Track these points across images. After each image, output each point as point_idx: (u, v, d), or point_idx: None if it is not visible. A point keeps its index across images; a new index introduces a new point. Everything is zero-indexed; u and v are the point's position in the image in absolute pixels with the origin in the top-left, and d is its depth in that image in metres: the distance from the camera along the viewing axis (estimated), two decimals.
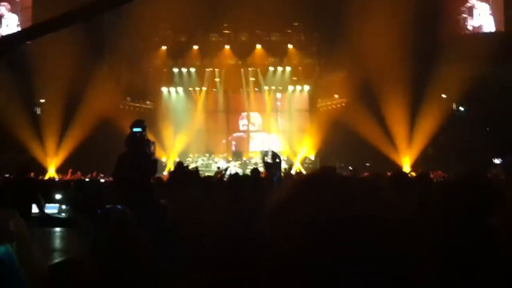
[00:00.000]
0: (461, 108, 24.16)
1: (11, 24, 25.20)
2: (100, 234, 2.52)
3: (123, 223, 2.56)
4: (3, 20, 25.32)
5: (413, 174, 20.80)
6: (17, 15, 25.22)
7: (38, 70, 20.76)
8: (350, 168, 21.19)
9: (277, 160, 15.22)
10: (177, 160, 20.59)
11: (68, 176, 20.56)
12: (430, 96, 22.37)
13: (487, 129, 22.30)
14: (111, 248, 2.47)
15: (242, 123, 30.75)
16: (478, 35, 24.42)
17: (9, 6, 25.33)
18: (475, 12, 24.92)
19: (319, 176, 1.09)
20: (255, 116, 30.57)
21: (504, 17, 24.33)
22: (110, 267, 2.44)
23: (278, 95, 30.50)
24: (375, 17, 21.35)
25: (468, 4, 24.96)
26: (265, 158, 15.48)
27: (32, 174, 10.74)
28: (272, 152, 15.45)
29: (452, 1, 25.09)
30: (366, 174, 18.01)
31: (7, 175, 15.33)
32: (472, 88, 20.98)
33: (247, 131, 30.48)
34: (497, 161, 14.67)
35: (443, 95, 23.35)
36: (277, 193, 1.07)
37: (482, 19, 24.94)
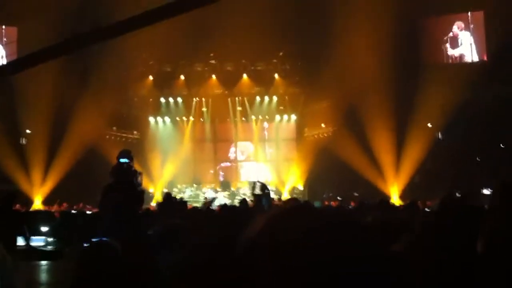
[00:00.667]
0: (443, 136, 24.34)
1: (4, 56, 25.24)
2: (86, 268, 2.47)
3: (109, 258, 2.51)
4: None
5: (400, 203, 20.89)
6: (2, 47, 25.21)
7: (23, 100, 20.70)
8: (339, 198, 21.22)
9: (266, 191, 15.20)
10: (165, 191, 20.47)
11: (55, 208, 20.33)
12: (415, 124, 22.57)
13: (475, 157, 22.47)
14: (96, 282, 2.43)
15: (232, 151, 30.71)
16: (461, 64, 24.77)
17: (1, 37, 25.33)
18: (458, 41, 25.31)
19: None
20: (242, 146, 30.56)
21: (486, 47, 24.71)
22: None
23: (265, 124, 30.58)
24: (358, 45, 21.62)
25: (451, 34, 25.35)
26: (254, 190, 15.44)
27: (17, 205, 10.60)
28: (260, 183, 15.43)
29: (435, 31, 25.45)
30: (352, 203, 18.07)
31: None
32: (455, 115, 21.20)
33: (234, 161, 30.43)
34: (486, 191, 14.72)
35: (429, 124, 23.54)
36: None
37: (464, 48, 25.31)
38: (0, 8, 22.45)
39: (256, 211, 12.63)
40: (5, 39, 25.19)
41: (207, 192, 26.43)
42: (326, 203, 19.01)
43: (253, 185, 15.91)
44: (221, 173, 30.32)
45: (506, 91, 22.03)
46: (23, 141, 24.23)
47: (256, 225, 1.10)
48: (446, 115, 21.44)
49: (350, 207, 15.89)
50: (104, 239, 5.68)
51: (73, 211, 18.37)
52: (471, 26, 25.00)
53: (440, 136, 24.59)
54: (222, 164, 30.38)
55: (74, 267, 2.48)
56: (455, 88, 21.21)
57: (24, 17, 21.72)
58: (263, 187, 15.13)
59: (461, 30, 25.27)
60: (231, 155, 30.66)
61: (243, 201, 11.66)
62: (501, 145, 23.03)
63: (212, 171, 30.15)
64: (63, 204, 20.71)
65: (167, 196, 11.11)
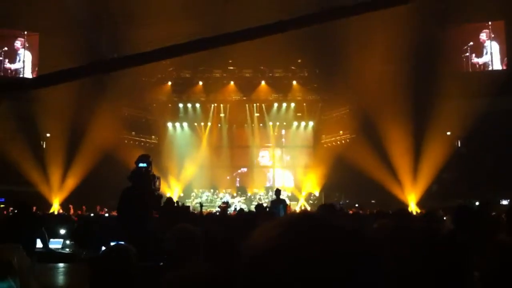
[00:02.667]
0: (462, 145, 24.15)
1: (27, 61, 25.57)
2: (103, 271, 2.52)
3: (126, 262, 2.56)
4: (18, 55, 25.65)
5: (418, 211, 20.74)
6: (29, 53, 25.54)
7: (44, 104, 20.92)
8: (356, 205, 21.14)
9: (281, 197, 15.22)
10: (168, 195, 20.56)
11: (71, 212, 20.51)
12: (434, 132, 22.40)
13: (494, 166, 22.23)
14: (113, 285, 2.47)
15: (262, 155, 30.76)
16: (481, 73, 24.58)
17: (24, 42, 25.65)
18: (483, 49, 25.15)
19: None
20: (260, 152, 30.58)
21: (507, 55, 24.53)
22: None
23: (283, 131, 30.60)
24: (378, 53, 21.54)
25: (471, 43, 25.19)
26: (273, 196, 15.49)
27: (34, 208, 10.72)
28: (276, 189, 15.47)
29: (457, 39, 25.27)
30: (368, 211, 17.94)
31: (11, 209, 15.32)
32: (475, 124, 21.02)
33: (251, 166, 30.44)
34: (505, 202, 14.60)
35: (448, 133, 23.38)
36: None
37: (489, 56, 25.15)
38: (22, 15, 22.75)
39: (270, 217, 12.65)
40: (27, 45, 25.52)
41: (224, 197, 26.50)
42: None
43: (276, 191, 15.91)
44: (237, 178, 30.35)
45: None
46: (43, 144, 24.49)
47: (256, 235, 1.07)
48: (466, 123, 21.26)
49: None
50: (121, 243, 5.74)
51: (91, 215, 18.53)
52: (492, 35, 24.85)
53: (459, 144, 24.39)
54: (239, 171, 30.36)
55: (91, 270, 2.53)
56: (475, 96, 21.06)
57: (46, 24, 21.99)
58: (278, 192, 15.15)
59: (488, 38, 25.11)
60: (263, 159, 30.63)
61: (259, 206, 11.67)
62: None
63: (228, 177, 30.15)
64: (82, 208, 20.88)
65: (168, 201, 11.14)
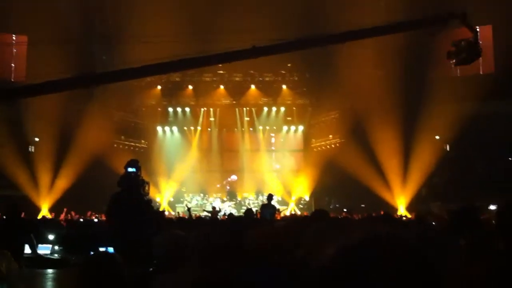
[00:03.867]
0: (450, 149, 24.26)
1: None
2: (87, 279, 2.50)
3: (110, 270, 2.55)
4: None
5: (407, 215, 20.83)
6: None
7: (32, 108, 20.79)
8: (345, 210, 21.14)
9: (271, 202, 15.19)
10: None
11: (62, 216, 20.37)
12: (423, 136, 22.49)
13: (482, 171, 22.38)
14: None
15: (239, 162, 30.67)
16: (469, 77, 24.70)
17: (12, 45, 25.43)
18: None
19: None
20: (249, 156, 30.51)
21: (494, 59, 24.66)
22: None
23: (272, 135, 30.60)
24: (366, 58, 21.63)
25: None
26: (261, 199, 15.51)
27: (23, 214, 10.63)
28: (268, 194, 15.44)
29: (443, 44, 25.36)
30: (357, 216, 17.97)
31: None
32: (463, 128, 21.12)
33: (241, 171, 30.36)
34: (492, 207, 14.65)
35: (436, 137, 23.50)
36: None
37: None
38: (11, 16, 22.62)
39: (261, 221, 12.64)
40: (15, 50, 25.31)
41: (214, 202, 26.43)
42: (332, 215, 18.86)
43: (268, 196, 15.88)
44: (228, 183, 30.26)
45: None
46: (32, 149, 24.32)
47: (328, 252, 1.11)
48: (454, 127, 21.37)
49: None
50: (108, 249, 5.72)
51: (80, 220, 18.41)
52: (480, 41, 24.93)
53: (447, 148, 24.51)
54: (229, 179, 30.16)
55: (77, 277, 2.51)
56: (464, 100, 21.18)
57: (35, 26, 21.88)
58: (269, 197, 15.12)
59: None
60: (243, 165, 30.55)
61: (248, 211, 11.67)
62: (510, 158, 22.95)
63: (218, 183, 30.05)
64: (71, 213, 20.75)
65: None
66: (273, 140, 30.80)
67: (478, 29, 11.90)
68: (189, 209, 16.48)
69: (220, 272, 2.71)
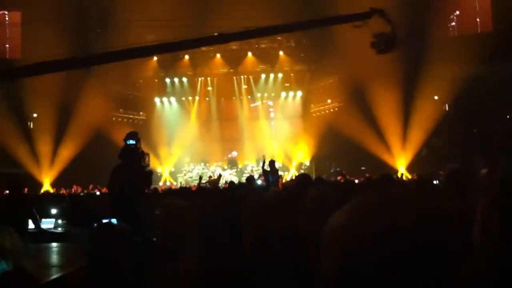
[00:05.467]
0: (450, 109, 24.22)
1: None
2: (95, 249, 2.51)
3: (117, 238, 2.55)
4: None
5: (407, 175, 20.91)
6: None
7: (29, 84, 20.70)
8: (338, 169, 21.33)
9: (273, 168, 15.29)
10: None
11: (74, 190, 20.55)
12: (422, 97, 22.44)
13: (482, 130, 22.35)
14: (106, 262, 2.47)
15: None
16: (467, 36, 24.51)
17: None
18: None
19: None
20: (248, 124, 30.47)
21: (492, 18, 24.44)
22: (104, 280, 2.44)
23: (271, 103, 30.53)
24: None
25: (457, 12, 25.08)
26: (264, 166, 15.56)
27: (26, 190, 10.68)
28: (270, 160, 15.51)
29: (441, 4, 25.13)
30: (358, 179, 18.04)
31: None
32: (462, 89, 21.05)
33: (241, 139, 30.38)
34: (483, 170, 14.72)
35: (435, 97, 23.42)
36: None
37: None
38: None
39: (264, 187, 12.74)
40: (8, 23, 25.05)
41: (216, 171, 26.53)
42: (332, 179, 18.96)
43: (262, 161, 16.01)
44: (228, 151, 30.29)
45: None
46: (31, 125, 24.29)
47: (338, 217, 1.06)
48: (453, 87, 21.30)
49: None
50: (112, 220, 5.75)
51: (81, 194, 18.50)
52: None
53: (447, 108, 24.46)
54: (229, 155, 30.07)
55: (83, 248, 2.53)
56: (462, 60, 21.05)
57: (28, 1, 21.70)
58: (272, 163, 15.20)
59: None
60: (238, 133, 30.55)
61: (250, 178, 11.73)
62: (507, 116, 22.90)
63: (219, 150, 30.06)
64: (74, 187, 20.86)
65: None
66: (272, 107, 30.72)
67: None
68: (200, 177, 16.65)
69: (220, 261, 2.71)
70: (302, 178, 6.27)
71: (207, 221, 3.15)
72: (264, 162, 15.75)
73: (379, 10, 12.46)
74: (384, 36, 12.68)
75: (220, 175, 20.46)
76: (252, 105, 30.39)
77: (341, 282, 1.00)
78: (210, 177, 20.74)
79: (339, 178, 12.16)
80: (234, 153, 29.61)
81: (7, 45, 24.88)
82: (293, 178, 23.21)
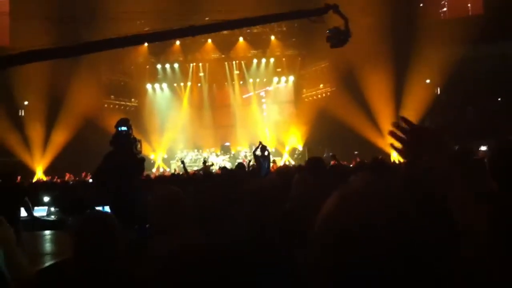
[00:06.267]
0: (441, 92, 24.26)
1: None
2: (84, 236, 2.51)
3: (106, 226, 2.55)
4: None
5: (401, 160, 20.97)
6: None
7: (20, 72, 20.56)
8: (326, 155, 21.47)
9: (266, 153, 15.35)
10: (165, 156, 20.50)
11: (67, 178, 20.50)
12: (414, 80, 22.47)
13: (473, 112, 22.44)
14: (95, 250, 2.47)
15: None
16: (458, 19, 24.51)
17: None
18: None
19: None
20: (241, 109, 30.43)
21: (483, 0, 24.46)
22: (95, 268, 2.44)
23: (263, 92, 30.46)
24: (355, 4, 21.36)
25: None
26: (256, 151, 15.60)
27: (18, 178, 10.66)
28: (261, 145, 15.57)
29: None
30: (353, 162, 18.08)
31: None
32: (454, 71, 21.08)
33: (234, 125, 30.36)
34: (483, 147, 14.78)
35: (427, 80, 23.45)
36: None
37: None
38: None
39: (257, 172, 12.76)
40: None
41: (209, 157, 26.50)
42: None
43: (256, 147, 16.04)
44: (221, 137, 30.29)
45: (504, 45, 21.90)
46: (22, 112, 24.16)
47: (327, 206, 1.07)
48: (445, 71, 21.32)
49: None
50: (101, 209, 5.74)
51: (71, 182, 18.45)
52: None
53: (439, 91, 24.51)
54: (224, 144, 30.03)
55: (72, 237, 2.52)
56: (453, 44, 21.07)
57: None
58: (263, 148, 15.28)
59: None
60: (230, 119, 30.54)
61: (240, 165, 11.71)
62: (499, 99, 23.00)
63: (211, 135, 30.06)
64: (67, 175, 20.82)
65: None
66: (264, 92, 30.66)
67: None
68: (183, 162, 16.08)
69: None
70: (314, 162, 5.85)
71: (202, 207, 3.13)
72: (257, 148, 15.78)
73: (333, 6, 13.18)
74: (337, 31, 13.53)
75: (209, 163, 20.39)
76: (244, 96, 30.34)
77: (330, 271, 1.01)
78: (204, 162, 20.58)
79: (332, 162, 12.20)
80: (227, 144, 29.53)
81: None
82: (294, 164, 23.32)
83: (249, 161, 20.10)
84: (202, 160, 26.31)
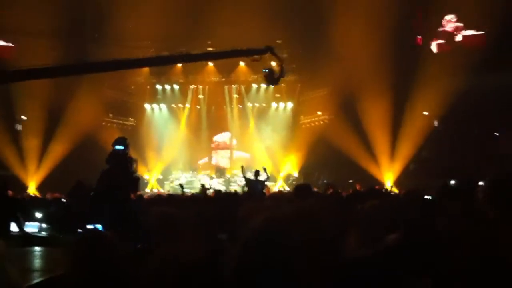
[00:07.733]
0: (439, 124, 24.34)
1: None
2: (79, 255, 2.48)
3: (101, 246, 2.52)
4: None
5: (395, 190, 20.95)
6: None
7: (19, 86, 20.57)
8: (325, 181, 21.41)
9: (260, 178, 15.41)
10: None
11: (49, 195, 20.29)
12: (412, 111, 22.56)
13: (471, 146, 22.46)
14: (89, 269, 2.43)
15: (227, 138, 30.67)
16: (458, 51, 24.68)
17: None
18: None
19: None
20: (238, 133, 30.46)
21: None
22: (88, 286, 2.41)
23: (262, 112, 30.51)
24: (356, 34, 21.56)
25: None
26: (247, 175, 15.73)
27: (10, 192, 10.57)
28: (255, 170, 15.69)
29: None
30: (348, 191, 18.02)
31: None
32: (451, 103, 21.14)
33: (230, 148, 30.37)
34: (481, 182, 14.80)
35: (425, 112, 23.53)
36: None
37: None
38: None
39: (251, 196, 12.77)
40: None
41: (203, 179, 26.45)
42: (316, 189, 18.90)
43: (254, 172, 16.13)
44: (215, 159, 30.30)
45: (504, 78, 22.00)
46: (19, 127, 24.11)
47: (255, 223, 1.33)
48: (442, 102, 21.40)
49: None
50: (98, 227, 5.70)
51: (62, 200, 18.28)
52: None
53: (436, 124, 24.58)
54: (218, 151, 30.12)
55: (67, 256, 2.49)
56: (452, 75, 21.19)
57: (23, 35, 21.66)
58: (256, 173, 15.42)
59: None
60: (227, 142, 30.60)
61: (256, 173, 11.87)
62: (495, 133, 23.06)
63: (207, 158, 30.07)
64: (57, 193, 20.65)
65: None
66: (262, 117, 30.68)
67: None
68: (181, 186, 16.45)
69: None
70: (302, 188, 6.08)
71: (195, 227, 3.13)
72: (257, 172, 15.88)
73: (270, 48, 14.50)
74: (270, 71, 14.96)
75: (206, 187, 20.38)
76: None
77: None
78: (202, 185, 20.56)
79: (329, 192, 12.19)
80: (223, 166, 29.48)
81: None
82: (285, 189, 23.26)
83: (243, 186, 20.11)
84: (196, 181, 26.33)
